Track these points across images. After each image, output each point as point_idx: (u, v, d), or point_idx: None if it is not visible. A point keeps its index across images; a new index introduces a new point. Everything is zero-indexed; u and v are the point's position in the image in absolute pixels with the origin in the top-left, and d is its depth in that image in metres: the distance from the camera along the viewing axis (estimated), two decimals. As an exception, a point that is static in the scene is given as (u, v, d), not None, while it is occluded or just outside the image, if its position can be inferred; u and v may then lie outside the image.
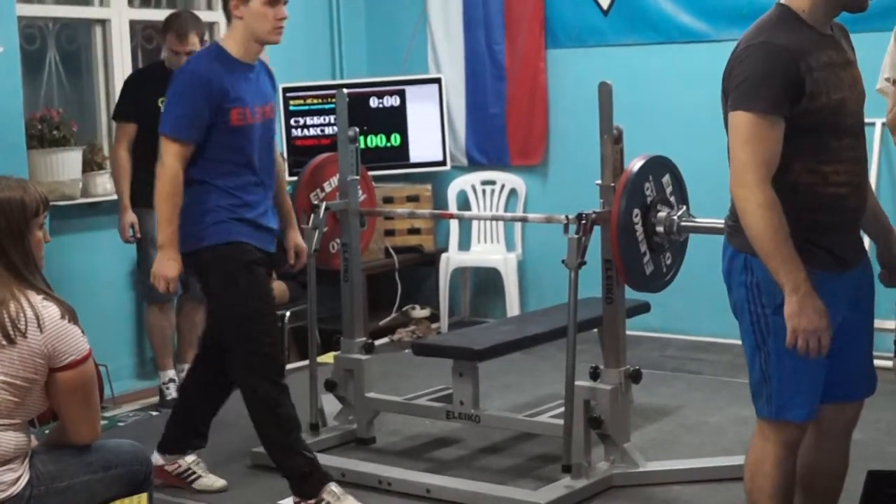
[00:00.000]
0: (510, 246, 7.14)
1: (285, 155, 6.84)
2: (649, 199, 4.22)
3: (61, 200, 5.62)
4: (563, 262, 4.18)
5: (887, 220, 3.26)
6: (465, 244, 7.22)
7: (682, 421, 5.18)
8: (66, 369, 2.94)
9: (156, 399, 5.80)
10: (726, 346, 6.11)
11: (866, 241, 3.22)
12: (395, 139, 7.21)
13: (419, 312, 7.13)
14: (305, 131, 7.08)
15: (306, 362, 4.88)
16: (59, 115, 5.74)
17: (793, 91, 2.89)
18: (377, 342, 5.56)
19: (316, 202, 4.87)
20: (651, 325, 6.31)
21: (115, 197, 5.75)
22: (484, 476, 4.50)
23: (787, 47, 2.89)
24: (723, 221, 3.16)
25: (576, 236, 4.15)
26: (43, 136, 5.62)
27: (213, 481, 4.44)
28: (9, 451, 2.91)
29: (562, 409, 4.36)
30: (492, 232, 7.17)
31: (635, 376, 4.35)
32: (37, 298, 2.94)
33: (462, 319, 7.22)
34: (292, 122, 7.04)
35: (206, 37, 5.87)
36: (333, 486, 4.11)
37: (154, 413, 5.63)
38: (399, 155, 7.21)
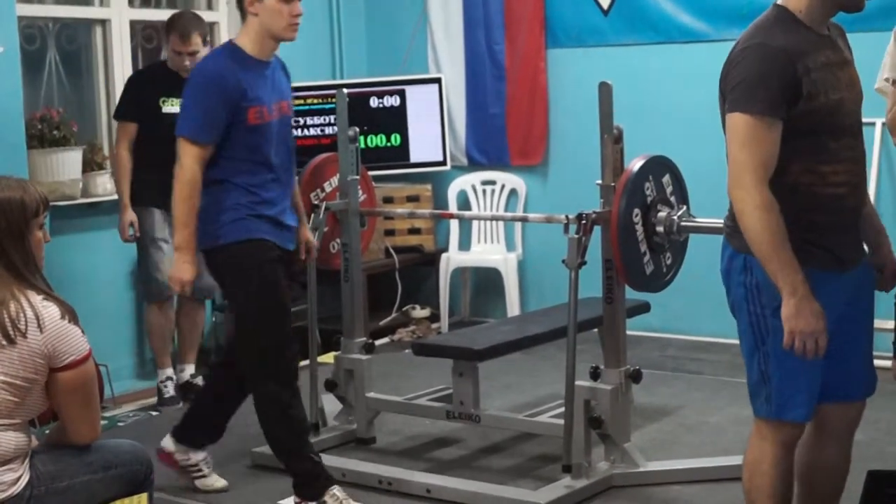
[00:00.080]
0: (510, 246, 7.14)
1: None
2: (649, 199, 4.22)
3: (61, 200, 5.62)
4: (563, 262, 4.18)
5: (879, 221, 3.26)
6: (465, 244, 7.22)
7: (682, 421, 5.19)
8: (67, 369, 2.94)
9: (156, 399, 5.80)
10: (726, 346, 6.11)
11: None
12: (396, 139, 7.22)
13: (419, 312, 7.14)
14: (305, 131, 7.08)
15: (306, 362, 4.88)
16: (60, 115, 5.74)
17: (790, 92, 2.89)
18: (377, 342, 5.56)
19: (316, 202, 4.86)
20: (651, 325, 6.31)
21: (115, 197, 5.75)
22: (484, 476, 4.50)
23: (784, 48, 2.89)
24: (723, 221, 3.16)
25: (576, 236, 4.15)
26: (43, 135, 5.62)
27: (214, 481, 4.44)
28: (9, 451, 2.91)
29: (562, 409, 4.36)
30: (492, 232, 7.17)
31: (635, 376, 4.35)
32: (37, 298, 2.94)
33: (462, 319, 7.22)
34: (292, 122, 7.03)
35: (209, 37, 5.89)
36: (336, 490, 4.10)
37: (154, 413, 5.63)
38: (399, 155, 7.21)
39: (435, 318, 7.09)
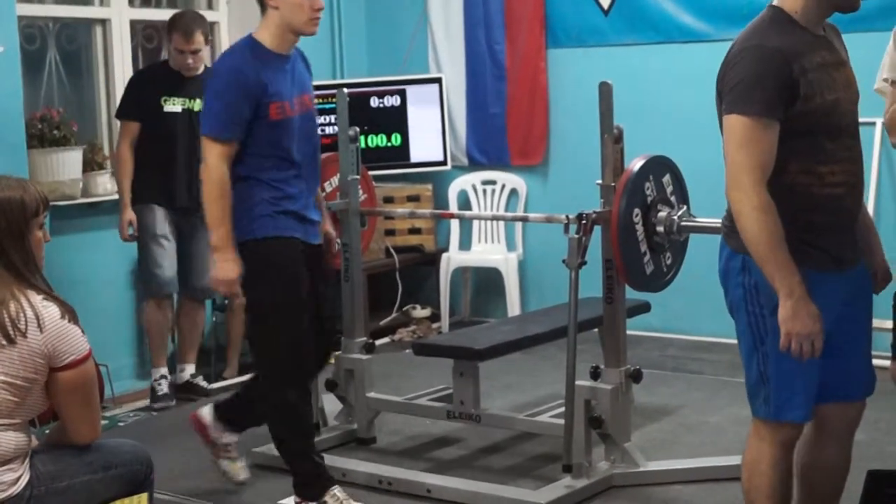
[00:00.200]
0: (511, 246, 7.14)
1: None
2: (650, 199, 4.22)
3: (61, 200, 5.62)
4: (563, 261, 4.18)
5: (871, 221, 3.27)
6: (465, 244, 7.22)
7: (683, 421, 5.19)
8: (67, 369, 2.94)
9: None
10: (727, 345, 6.10)
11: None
12: (396, 139, 7.22)
13: (420, 312, 7.14)
14: (306, 131, 7.08)
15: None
16: (60, 115, 5.74)
17: (787, 93, 2.89)
18: (378, 342, 5.57)
19: (316, 202, 4.85)
20: (651, 324, 6.31)
21: (115, 197, 5.76)
22: (484, 476, 4.50)
23: (780, 49, 2.89)
24: (721, 222, 3.16)
25: (576, 236, 4.14)
26: (43, 135, 5.62)
27: (239, 470, 4.34)
28: (9, 450, 2.91)
29: (562, 409, 4.36)
30: (492, 232, 7.17)
31: (636, 376, 4.35)
32: (37, 298, 2.94)
33: (463, 319, 7.22)
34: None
35: (210, 36, 5.90)
36: (337, 491, 4.09)
37: (154, 413, 5.63)
38: (399, 155, 7.21)
39: (435, 317, 7.10)
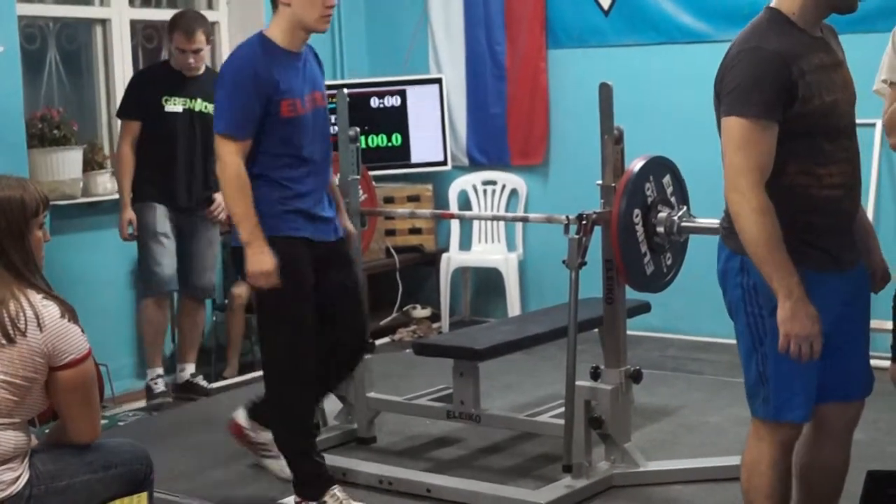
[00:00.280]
0: (511, 246, 7.15)
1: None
2: (650, 200, 4.22)
3: (62, 200, 5.63)
4: (563, 262, 4.18)
5: (868, 221, 3.27)
6: (465, 244, 7.22)
7: (683, 421, 5.19)
8: (66, 368, 2.94)
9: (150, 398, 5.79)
10: (727, 346, 6.09)
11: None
12: (396, 139, 7.22)
13: (420, 312, 7.14)
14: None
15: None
16: (60, 115, 5.75)
17: (785, 95, 2.89)
18: (378, 342, 5.57)
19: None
20: (652, 325, 6.31)
21: (115, 196, 5.77)
22: (484, 476, 4.50)
23: (778, 51, 2.90)
24: (719, 223, 3.16)
25: (576, 236, 4.14)
26: (43, 135, 5.63)
27: (282, 467, 4.24)
28: (8, 450, 2.91)
29: (562, 409, 4.36)
30: (492, 232, 7.18)
31: (636, 376, 4.35)
32: (37, 298, 2.94)
33: (463, 319, 7.22)
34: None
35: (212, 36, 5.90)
36: (337, 490, 4.09)
37: (154, 413, 5.63)
38: (400, 155, 7.21)
39: (435, 317, 7.10)
